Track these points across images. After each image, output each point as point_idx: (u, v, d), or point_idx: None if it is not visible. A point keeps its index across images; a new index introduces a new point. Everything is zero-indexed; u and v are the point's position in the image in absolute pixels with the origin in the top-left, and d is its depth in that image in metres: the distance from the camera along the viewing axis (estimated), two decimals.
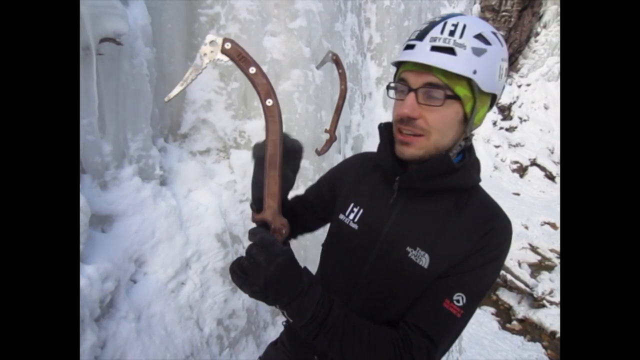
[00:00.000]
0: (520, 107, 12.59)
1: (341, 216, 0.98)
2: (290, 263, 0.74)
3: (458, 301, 0.80)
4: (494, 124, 12.02)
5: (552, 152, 11.80)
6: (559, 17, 12.65)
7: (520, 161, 11.20)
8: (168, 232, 1.90)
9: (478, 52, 0.78)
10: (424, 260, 0.84)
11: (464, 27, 0.79)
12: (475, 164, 0.91)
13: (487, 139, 11.36)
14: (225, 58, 0.73)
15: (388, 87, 0.91)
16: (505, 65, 0.84)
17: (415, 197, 0.90)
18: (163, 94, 2.15)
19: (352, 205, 0.97)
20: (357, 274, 0.92)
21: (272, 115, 0.73)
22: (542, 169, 11.19)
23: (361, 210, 0.95)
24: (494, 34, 0.81)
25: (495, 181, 9.92)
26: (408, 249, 0.86)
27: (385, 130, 0.94)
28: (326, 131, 1.91)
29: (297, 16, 2.61)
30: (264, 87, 0.73)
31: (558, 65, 12.92)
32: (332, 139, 1.93)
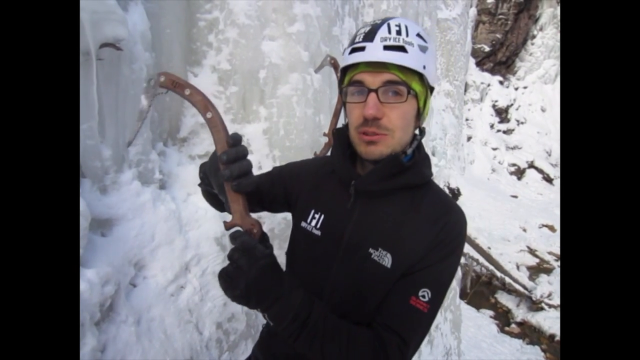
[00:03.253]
0: (517, 109, 12.65)
1: (303, 224, 0.99)
2: (272, 266, 0.76)
3: (424, 297, 0.83)
4: (492, 126, 12.06)
5: (550, 155, 11.84)
6: (555, 20, 12.74)
7: (518, 164, 11.24)
8: (167, 236, 1.91)
9: (423, 49, 0.83)
10: (386, 260, 0.86)
11: (406, 27, 0.84)
12: (425, 160, 0.95)
13: (484, 142, 11.39)
14: (163, 90, 0.79)
15: (341, 91, 0.93)
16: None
17: (372, 199, 0.92)
18: (161, 98, 2.16)
19: (312, 211, 0.98)
20: (324, 279, 0.93)
21: (215, 126, 0.77)
22: (540, 171, 11.22)
23: (322, 216, 0.97)
24: (424, 33, 0.87)
25: (493, 184, 9.94)
26: (371, 250, 0.88)
27: (339, 135, 0.97)
28: (325, 134, 1.93)
29: (296, 20, 2.63)
30: (200, 103, 0.78)
31: (554, 68, 13.00)
32: (331, 143, 1.95)
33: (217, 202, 1.09)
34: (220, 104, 2.46)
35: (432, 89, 0.89)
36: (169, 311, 1.81)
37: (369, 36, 0.83)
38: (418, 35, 0.84)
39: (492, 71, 12.55)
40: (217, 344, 2.04)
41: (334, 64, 1.75)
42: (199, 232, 2.08)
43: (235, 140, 0.76)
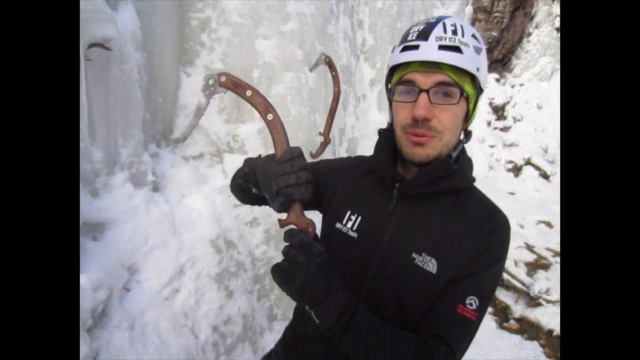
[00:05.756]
0: (513, 107, 12.67)
1: (338, 225, 0.96)
2: (326, 264, 0.78)
3: (471, 304, 0.81)
4: (489, 124, 12.08)
5: (546, 152, 11.87)
6: (550, 18, 12.77)
7: (515, 161, 11.26)
8: (161, 239, 1.88)
9: (478, 50, 0.81)
10: (431, 265, 0.83)
11: (462, 27, 0.81)
12: (469, 164, 0.92)
13: (481, 139, 11.41)
14: (223, 90, 0.81)
15: (390, 90, 0.89)
16: None
17: (414, 202, 0.89)
18: (154, 99, 2.13)
19: (349, 213, 0.95)
20: (360, 283, 0.91)
21: (275, 127, 0.79)
22: (537, 168, 11.25)
23: (359, 218, 0.94)
24: (480, 35, 0.85)
25: (490, 181, 9.96)
26: (414, 255, 0.85)
27: (385, 135, 0.93)
28: (320, 134, 1.91)
29: (289, 19, 2.60)
30: (261, 105, 0.79)
31: (550, 65, 13.03)
32: (327, 142, 1.93)
33: (247, 195, 1.06)
34: (213, 104, 2.43)
35: (481, 91, 0.87)
36: (163, 315, 1.79)
37: (423, 35, 0.80)
38: (473, 36, 0.81)
39: (489, 69, 12.55)
40: (213, 347, 2.02)
41: (329, 63, 1.73)
42: (194, 235, 2.05)
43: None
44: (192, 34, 2.33)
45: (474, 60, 0.80)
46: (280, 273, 0.77)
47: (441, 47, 0.78)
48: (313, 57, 2.68)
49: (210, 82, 0.79)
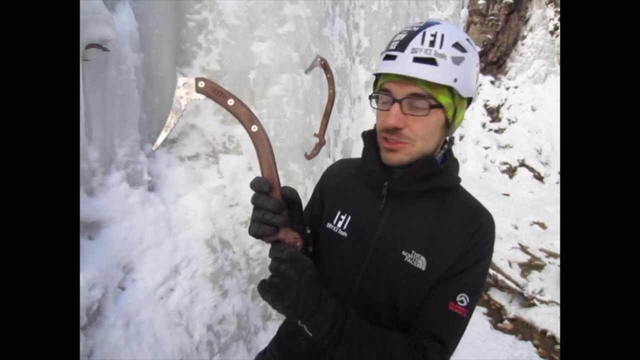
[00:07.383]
0: (508, 109, 12.77)
1: (329, 225, 0.98)
2: (316, 276, 0.77)
3: (462, 301, 0.83)
4: (483, 125, 12.16)
5: (540, 153, 11.98)
6: (544, 21, 12.90)
7: (509, 162, 11.34)
8: (157, 238, 1.89)
9: (457, 60, 0.81)
10: (420, 262, 0.85)
11: (442, 36, 0.81)
12: (455, 164, 0.95)
13: (476, 141, 11.49)
14: (201, 96, 0.74)
15: (371, 97, 0.92)
16: (478, 69, 0.88)
17: (403, 200, 0.91)
18: (151, 99, 2.14)
19: (339, 212, 0.97)
20: (350, 282, 0.92)
21: (260, 139, 0.75)
22: (531, 169, 11.34)
23: (349, 217, 0.96)
24: (468, 40, 0.85)
25: (485, 182, 10.02)
26: (404, 253, 0.87)
27: (369, 137, 0.96)
28: (315, 135, 1.93)
29: (286, 21, 2.63)
30: (245, 115, 0.75)
31: (544, 68, 13.16)
32: (322, 143, 1.95)
33: None
34: (209, 105, 2.45)
35: (469, 99, 0.87)
36: (158, 314, 1.80)
37: (402, 45, 0.82)
38: (455, 45, 0.81)
39: (484, 71, 12.66)
40: (207, 346, 2.03)
41: (324, 65, 1.75)
42: (189, 234, 2.07)
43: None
44: (189, 36, 2.35)
45: (450, 71, 0.80)
46: (271, 290, 0.74)
47: (416, 60, 0.79)
48: (309, 59, 2.71)
49: (186, 87, 0.73)
